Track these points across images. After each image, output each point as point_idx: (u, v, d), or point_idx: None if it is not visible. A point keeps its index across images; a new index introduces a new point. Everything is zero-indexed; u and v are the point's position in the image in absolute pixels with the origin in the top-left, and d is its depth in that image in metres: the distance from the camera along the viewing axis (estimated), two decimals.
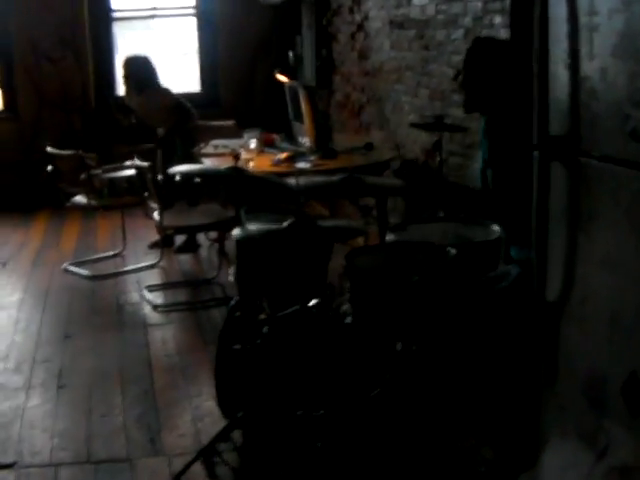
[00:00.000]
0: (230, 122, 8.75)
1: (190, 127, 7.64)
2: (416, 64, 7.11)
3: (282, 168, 6.12)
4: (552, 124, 2.74)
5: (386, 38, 7.77)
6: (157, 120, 7.60)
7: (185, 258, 7.59)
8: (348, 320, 3.75)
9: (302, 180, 4.08)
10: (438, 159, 4.93)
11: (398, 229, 4.42)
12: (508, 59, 3.72)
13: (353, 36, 8.68)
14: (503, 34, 5.56)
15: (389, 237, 4.26)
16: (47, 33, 9.47)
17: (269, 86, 9.85)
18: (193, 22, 10.21)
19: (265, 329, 3.86)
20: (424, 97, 7.00)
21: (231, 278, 4.19)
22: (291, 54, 9.67)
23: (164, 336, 5.78)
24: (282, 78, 6.72)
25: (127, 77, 7.59)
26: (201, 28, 10.16)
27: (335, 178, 4.32)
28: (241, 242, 3.39)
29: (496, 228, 4.13)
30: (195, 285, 6.87)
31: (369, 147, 6.74)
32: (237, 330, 3.99)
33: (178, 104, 7.63)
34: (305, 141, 6.72)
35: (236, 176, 3.65)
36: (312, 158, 6.33)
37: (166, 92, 7.66)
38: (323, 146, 6.47)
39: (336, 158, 6.43)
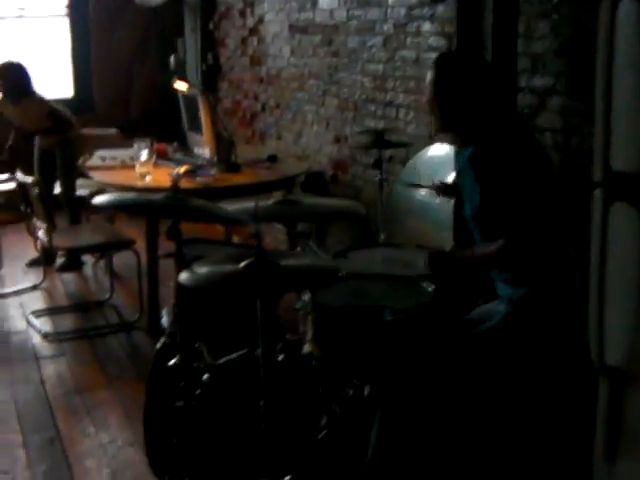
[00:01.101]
0: (112, 130, 8.17)
1: (71, 137, 6.99)
2: (322, 72, 6.67)
3: (183, 184, 5.58)
4: (614, 159, 2.32)
5: (285, 43, 7.30)
6: (35, 130, 6.95)
7: (69, 277, 6.90)
8: (312, 364, 3.29)
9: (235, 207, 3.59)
10: (378, 178, 4.49)
11: (339, 256, 3.98)
12: (488, 76, 3.31)
13: (244, 41, 8.18)
14: (433, 42, 5.18)
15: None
16: None
17: (149, 91, 9.33)
18: (65, 23, 9.47)
19: (205, 377, 3.36)
20: (332, 107, 6.57)
21: (164, 321, 3.65)
22: (172, 58, 9.10)
23: (59, 370, 5.14)
24: (181, 86, 6.17)
25: (1, 86, 6.87)
26: (74, 30, 9.44)
27: (271, 202, 3.82)
28: (189, 288, 2.87)
29: None
30: (86, 309, 6.22)
31: (273, 159, 6.26)
32: (169, 378, 3.45)
33: (56, 113, 6.97)
34: (202, 152, 6.18)
35: (178, 208, 3.10)
36: (213, 172, 5.80)
37: (42, 100, 6.97)
38: (225, 159, 5.95)
39: (240, 172, 5.92)
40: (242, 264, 2.86)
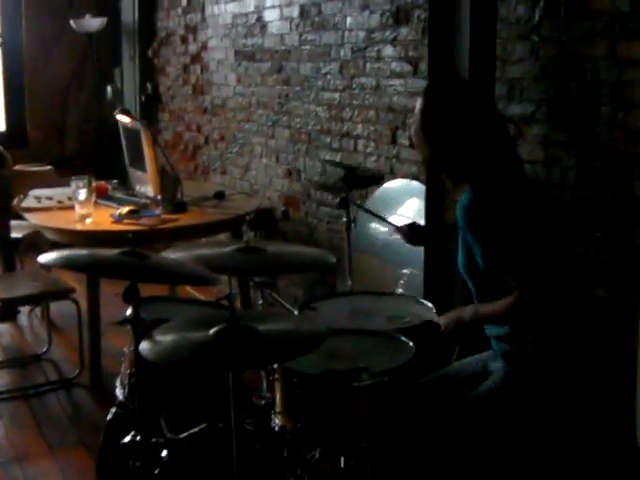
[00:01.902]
0: (46, 167, 7.70)
1: (3, 175, 6.51)
2: (271, 101, 6.26)
3: (127, 226, 5.14)
4: None
5: (231, 71, 6.89)
6: None
7: (3, 328, 6.38)
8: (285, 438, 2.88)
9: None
10: (345, 219, 4.06)
11: (306, 309, 3.56)
12: (486, 109, 2.93)
13: (186, 69, 7.76)
14: (396, 68, 4.80)
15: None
16: None
17: (85, 124, 8.89)
18: None
19: (165, 454, 2.97)
20: (282, 138, 6.16)
21: (118, 392, 3.19)
22: (109, 88, 8.64)
23: None
24: (123, 119, 5.73)
25: None
26: (5, 59, 8.94)
27: (230, 250, 3.40)
28: (150, 359, 2.44)
29: (426, 304, 3.36)
30: (21, 364, 5.70)
31: (220, 196, 5.83)
32: (123, 456, 3.01)
33: None
34: (145, 190, 5.74)
35: (138, 268, 2.66)
36: (158, 212, 5.36)
37: None
38: (171, 197, 5.50)
39: (186, 211, 5.48)
40: (212, 331, 2.45)
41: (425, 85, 3.07)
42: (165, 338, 2.51)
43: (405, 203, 4.73)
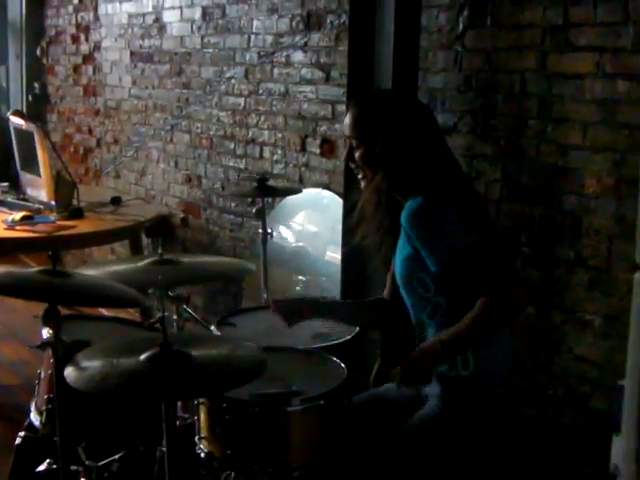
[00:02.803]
0: None
1: None
2: (170, 104, 6.08)
3: (20, 232, 4.90)
4: None
5: (126, 73, 6.67)
6: None
7: None
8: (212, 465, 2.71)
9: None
10: (261, 230, 3.91)
11: (225, 325, 3.42)
12: (424, 115, 2.81)
13: (77, 69, 7.50)
14: (307, 74, 4.68)
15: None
16: None
17: None
18: None
19: None
20: (182, 143, 5.98)
21: (33, 418, 2.97)
22: None
23: None
24: (17, 120, 5.47)
25: None
26: None
27: (144, 264, 3.23)
28: (78, 387, 2.25)
29: None
30: None
31: (117, 201, 5.62)
32: None
33: None
34: (38, 195, 5.49)
35: (58, 290, 2.46)
36: (53, 218, 5.12)
37: None
38: (66, 203, 5.27)
39: (83, 217, 5.25)
40: (144, 357, 2.28)
41: (358, 95, 2.94)
42: (92, 364, 2.32)
43: (313, 214, 4.64)
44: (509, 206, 3.53)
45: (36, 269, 2.56)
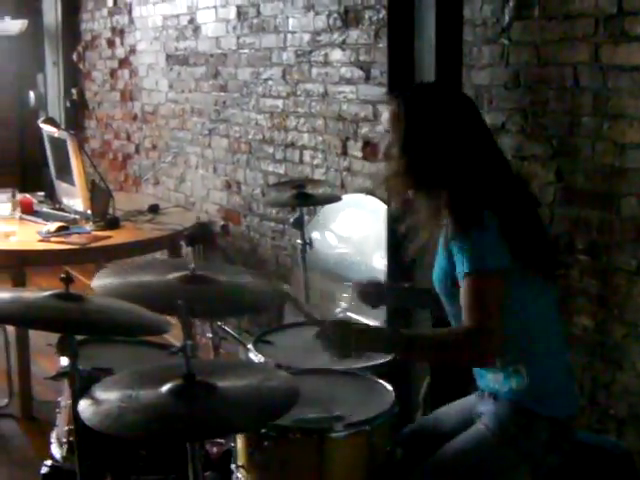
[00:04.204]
0: None
1: None
2: (207, 108, 5.90)
3: (55, 244, 4.75)
4: None
5: (162, 76, 6.51)
6: None
7: None
8: None
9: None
10: (300, 241, 3.70)
11: (262, 342, 3.22)
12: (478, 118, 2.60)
13: (114, 74, 7.36)
14: (346, 74, 4.47)
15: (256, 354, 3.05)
16: None
17: (7, 132, 8.41)
18: None
19: None
20: (220, 148, 5.80)
21: (55, 450, 2.79)
22: (32, 94, 8.20)
23: None
24: (49, 128, 5.32)
25: None
26: None
27: (170, 278, 2.99)
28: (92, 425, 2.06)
29: None
30: None
31: (155, 209, 5.46)
32: None
33: None
34: (74, 205, 5.34)
35: (76, 319, 2.26)
36: (89, 229, 4.97)
37: None
38: (102, 212, 5.11)
39: (120, 227, 5.08)
40: (165, 389, 2.08)
41: (401, 91, 2.71)
42: (108, 396, 2.13)
43: (357, 220, 4.43)
44: (563, 210, 3.29)
45: (48, 293, 2.36)
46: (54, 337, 2.37)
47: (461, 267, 2.42)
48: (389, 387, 2.71)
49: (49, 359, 5.06)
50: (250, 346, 3.16)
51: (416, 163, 2.54)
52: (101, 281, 2.80)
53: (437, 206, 2.58)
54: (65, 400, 2.80)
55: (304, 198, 3.88)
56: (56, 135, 5.35)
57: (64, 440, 2.74)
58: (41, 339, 4.96)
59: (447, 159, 2.52)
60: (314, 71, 4.74)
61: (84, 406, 2.11)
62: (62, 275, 2.36)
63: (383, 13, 4.09)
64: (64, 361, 2.50)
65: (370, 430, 2.48)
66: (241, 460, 2.55)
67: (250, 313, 4.91)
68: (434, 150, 2.53)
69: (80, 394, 2.25)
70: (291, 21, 4.92)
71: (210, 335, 3.22)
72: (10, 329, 4.89)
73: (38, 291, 2.43)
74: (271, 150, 5.21)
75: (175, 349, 2.17)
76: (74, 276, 2.45)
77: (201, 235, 5.85)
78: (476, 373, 2.69)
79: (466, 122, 2.57)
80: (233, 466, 2.59)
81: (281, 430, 2.44)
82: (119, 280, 2.87)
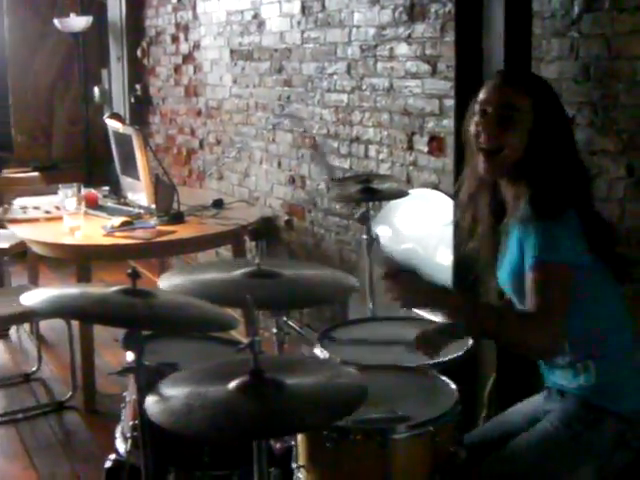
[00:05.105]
0: (33, 172, 7.31)
1: None
2: (271, 103, 5.89)
3: (119, 238, 4.78)
4: None
5: (226, 71, 6.51)
6: None
7: None
8: None
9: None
10: (365, 237, 3.67)
11: (326, 339, 3.18)
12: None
13: (178, 69, 7.38)
14: (412, 68, 4.43)
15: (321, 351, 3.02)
16: None
17: (72, 127, 8.50)
18: None
19: None
20: (284, 143, 5.79)
21: (119, 445, 2.79)
22: (97, 90, 8.27)
23: None
24: (114, 124, 5.35)
25: None
26: None
27: (236, 274, 2.97)
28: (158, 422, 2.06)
29: None
30: (9, 384, 5.27)
31: (219, 204, 5.47)
32: None
33: None
34: (138, 199, 5.36)
35: (143, 314, 2.26)
36: (154, 223, 4.98)
37: None
38: (166, 207, 5.12)
39: (184, 222, 5.10)
40: (232, 386, 2.07)
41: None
42: (174, 393, 2.12)
43: (422, 215, 4.38)
44: (635, 206, 3.22)
45: (115, 289, 2.36)
46: (120, 332, 2.38)
47: (532, 252, 2.39)
48: (453, 385, 2.65)
49: (112, 352, 5.14)
50: (315, 342, 3.14)
51: (536, 150, 2.51)
52: (167, 281, 2.81)
53: (517, 195, 2.56)
54: (130, 395, 2.79)
55: (371, 193, 3.85)
56: (121, 130, 5.38)
57: (128, 435, 2.73)
58: (105, 333, 5.08)
59: (560, 151, 2.51)
60: (379, 65, 4.70)
61: (151, 402, 2.10)
62: (129, 271, 2.35)
63: (449, 6, 4.05)
64: (129, 356, 2.50)
65: (434, 431, 2.42)
66: (302, 460, 2.52)
67: (319, 305, 4.88)
68: (556, 140, 2.51)
69: (146, 389, 2.25)
70: (356, 15, 4.88)
71: (275, 330, 3.19)
72: (74, 323, 4.91)
73: (105, 286, 2.43)
74: (336, 144, 5.18)
75: (243, 345, 2.16)
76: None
77: (265, 230, 5.86)
78: (544, 370, 2.65)
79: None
80: (294, 465, 2.57)
81: (343, 431, 2.39)
82: (184, 278, 2.88)
